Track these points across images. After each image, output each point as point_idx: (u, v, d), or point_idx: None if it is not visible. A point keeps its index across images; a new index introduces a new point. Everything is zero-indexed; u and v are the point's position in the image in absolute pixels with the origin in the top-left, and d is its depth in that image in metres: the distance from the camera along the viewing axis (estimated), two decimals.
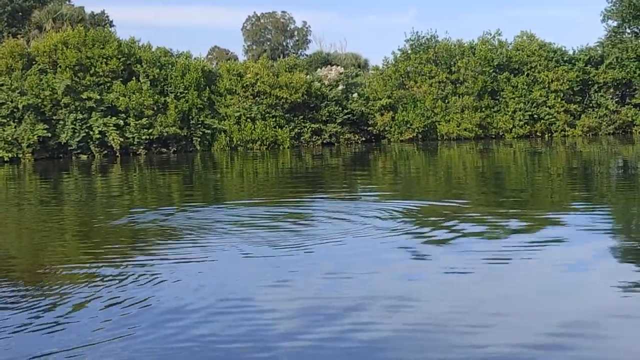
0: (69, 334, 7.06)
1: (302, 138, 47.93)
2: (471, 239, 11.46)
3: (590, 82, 50.89)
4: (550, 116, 49.56)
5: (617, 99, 51.59)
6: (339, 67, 55.67)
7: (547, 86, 49.70)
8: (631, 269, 9.37)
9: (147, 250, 11.69)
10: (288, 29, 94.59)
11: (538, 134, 50.18)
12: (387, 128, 49.88)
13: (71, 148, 43.02)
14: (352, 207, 16.29)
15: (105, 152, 43.61)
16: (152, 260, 10.64)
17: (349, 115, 49.12)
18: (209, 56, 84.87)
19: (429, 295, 8.29)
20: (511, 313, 7.50)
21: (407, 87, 51.19)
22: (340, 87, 50.50)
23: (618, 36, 53.31)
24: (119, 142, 43.00)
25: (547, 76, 49.65)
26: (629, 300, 7.91)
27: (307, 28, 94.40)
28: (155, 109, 44.50)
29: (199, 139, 45.67)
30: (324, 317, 7.44)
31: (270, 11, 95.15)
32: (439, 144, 46.03)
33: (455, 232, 12.09)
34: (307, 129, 47.95)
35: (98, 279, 9.37)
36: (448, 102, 50.03)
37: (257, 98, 47.56)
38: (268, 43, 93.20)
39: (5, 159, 40.92)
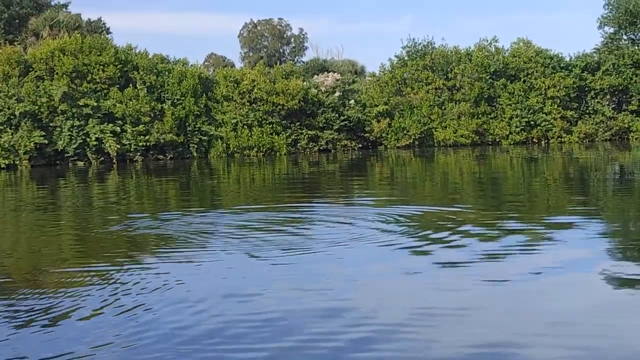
0: (71, 339, 7.01)
1: (298, 145, 47.95)
2: (468, 245, 11.43)
3: (586, 89, 51.02)
4: (547, 123, 49.66)
5: (613, 106, 51.73)
6: (336, 73, 55.69)
7: (543, 93, 49.82)
8: (629, 272, 9.36)
9: (146, 255, 11.66)
10: (285, 35, 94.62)
11: (535, 140, 50.28)
12: (383, 135, 49.91)
13: (68, 155, 43.00)
14: (349, 212, 16.25)
15: (102, 158, 43.59)
16: (151, 265, 10.61)
17: (346, 122, 49.16)
18: (206, 63, 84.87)
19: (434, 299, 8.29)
20: (511, 312, 7.49)
21: (403, 93, 51.24)
22: (337, 94, 50.53)
23: (614, 42, 53.47)
24: (115, 148, 42.99)
25: (543, 83, 49.77)
26: (628, 302, 7.91)
27: (303, 35, 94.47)
28: (152, 115, 44.50)
29: (195, 146, 45.69)
30: (325, 322, 7.43)
31: (267, 18, 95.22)
32: (435, 151, 46.06)
33: (453, 237, 12.06)
34: (304, 136, 47.98)
35: (96, 284, 9.32)
36: (445, 109, 50.10)
37: (253, 105, 47.59)
38: (265, 50, 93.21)
39: (2, 165, 40.90)
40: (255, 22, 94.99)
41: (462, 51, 52.69)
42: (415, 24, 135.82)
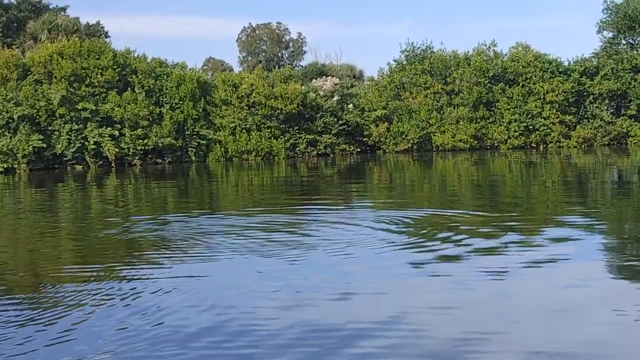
0: (73, 345, 6.98)
1: (297, 149, 47.94)
2: (466, 248, 11.41)
3: (585, 93, 51.04)
4: (546, 127, 49.68)
5: (612, 110, 51.75)
6: (334, 77, 55.69)
7: (542, 97, 49.84)
8: (626, 277, 9.36)
9: (146, 259, 11.63)
10: (283, 40, 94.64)
11: (533, 145, 50.29)
12: (382, 139, 49.90)
13: (66, 159, 42.98)
14: (348, 216, 16.24)
15: (101, 162, 43.58)
16: (151, 269, 10.58)
17: (344, 126, 49.15)
18: (204, 67, 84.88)
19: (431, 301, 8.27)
20: (506, 315, 7.47)
21: (402, 98, 51.23)
22: (336, 98, 50.53)
23: (613, 47, 53.47)
24: (114, 152, 42.97)
25: (542, 87, 49.79)
26: (624, 310, 7.89)
27: (302, 39, 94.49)
28: (150, 119, 44.49)
29: (194, 150, 45.68)
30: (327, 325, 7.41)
31: (266, 22, 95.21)
32: (434, 155, 46.05)
33: (451, 241, 12.05)
34: (302, 140, 47.97)
35: (95, 288, 9.30)
36: (443, 113, 50.10)
37: (252, 109, 47.58)
38: (263, 54, 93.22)
39: (0, 169, 40.85)
40: (254, 26, 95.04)
41: (461, 55, 52.67)
42: (413, 28, 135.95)
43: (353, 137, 50.18)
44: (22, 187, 32.24)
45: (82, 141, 42.83)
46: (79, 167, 42.96)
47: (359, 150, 50.32)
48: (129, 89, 45.18)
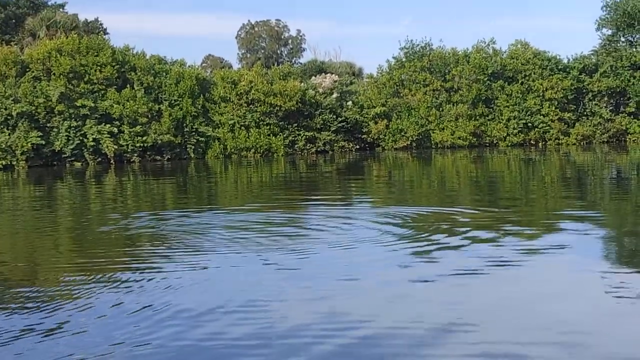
0: (74, 341, 6.95)
1: (296, 146, 47.90)
2: (466, 245, 11.41)
3: (584, 91, 51.01)
4: (545, 124, 49.65)
5: (611, 108, 51.72)
6: (334, 75, 55.66)
7: (541, 94, 49.80)
8: (624, 272, 9.35)
9: (145, 255, 11.62)
10: (282, 37, 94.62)
11: (532, 142, 50.26)
12: (381, 136, 49.86)
13: (65, 155, 42.91)
14: (347, 213, 16.24)
15: (100, 159, 43.52)
16: (149, 265, 10.57)
17: (343, 123, 49.11)
18: (203, 64, 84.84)
19: (431, 297, 8.26)
20: (509, 315, 7.47)
21: (401, 95, 51.19)
22: (335, 95, 50.50)
23: (612, 44, 53.46)
24: (113, 149, 42.92)
25: (541, 84, 49.75)
26: (622, 304, 7.88)
27: (301, 36, 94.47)
28: (149, 116, 44.45)
29: (193, 147, 45.63)
30: (333, 321, 7.40)
31: (265, 19, 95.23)
32: (433, 152, 46.04)
33: (451, 237, 12.05)
34: (301, 137, 47.94)
35: (98, 284, 9.29)
36: (442, 110, 50.06)
37: (251, 106, 47.55)
38: (262, 51, 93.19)
39: None
40: (253, 23, 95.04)
41: (460, 53, 52.64)
42: (413, 26, 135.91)
43: (352, 134, 50.14)
44: (21, 183, 32.20)
45: (81, 138, 42.77)
46: (77, 164, 42.90)
47: (358, 147, 50.28)
48: (127, 85, 45.13)
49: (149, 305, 8.12)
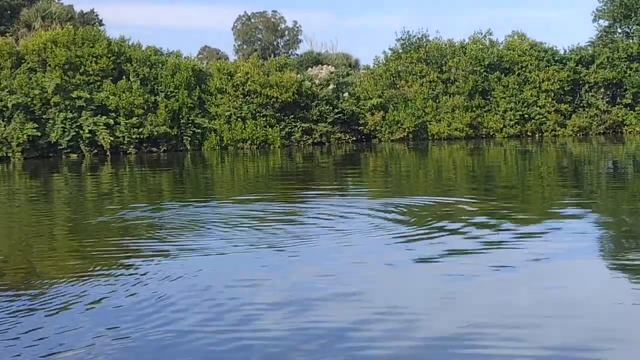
0: (71, 334, 6.90)
1: (292, 137, 47.85)
2: (462, 235, 11.39)
3: (581, 82, 50.99)
4: (541, 116, 49.63)
5: (607, 99, 51.69)
6: (330, 66, 55.62)
7: (538, 86, 49.77)
8: (621, 264, 9.34)
9: (141, 247, 11.57)
10: (279, 28, 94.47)
11: (529, 133, 50.25)
12: (377, 127, 49.81)
13: (61, 147, 42.83)
14: (344, 204, 16.21)
15: (96, 151, 43.44)
16: (147, 257, 10.52)
17: (340, 115, 49.05)
18: (200, 56, 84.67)
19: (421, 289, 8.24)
20: (502, 302, 7.45)
21: (398, 86, 51.15)
22: (331, 87, 50.43)
23: (609, 36, 53.44)
24: (109, 141, 42.85)
25: (538, 76, 49.72)
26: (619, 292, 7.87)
27: (297, 28, 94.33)
28: (145, 108, 44.36)
29: (189, 138, 45.56)
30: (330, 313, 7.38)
31: (261, 11, 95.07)
32: (429, 144, 46.02)
33: (448, 228, 12.03)
34: (298, 129, 47.87)
35: (93, 276, 9.24)
36: (439, 102, 50.02)
37: (247, 97, 47.47)
38: (258, 42, 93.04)
39: None
40: (249, 14, 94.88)
41: (457, 44, 52.59)
42: (410, 17, 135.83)
43: (348, 125, 50.09)
44: (17, 175, 32.14)
45: (76, 130, 42.68)
46: (73, 156, 42.83)
47: (354, 139, 50.23)
48: (123, 77, 45.04)
49: (146, 296, 8.08)
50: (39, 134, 41.97)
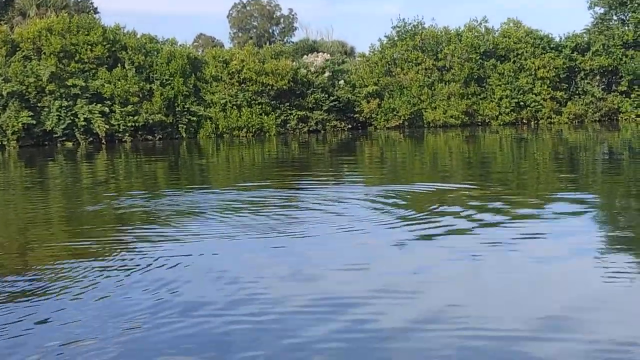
0: (70, 326, 6.88)
1: (288, 125, 47.78)
2: (459, 224, 11.42)
3: (576, 69, 50.98)
4: (537, 103, 49.64)
5: (603, 86, 51.69)
6: (325, 54, 55.49)
7: (533, 73, 49.76)
8: (616, 249, 9.37)
9: (137, 234, 11.58)
10: (274, 16, 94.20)
11: (524, 121, 50.27)
12: (373, 115, 49.76)
13: (56, 135, 42.74)
14: (340, 192, 16.24)
15: (91, 139, 43.37)
16: (143, 244, 10.52)
17: (335, 103, 48.98)
18: (195, 43, 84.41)
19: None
20: (499, 293, 7.47)
21: (393, 74, 51.09)
22: (327, 74, 50.34)
23: (605, 23, 53.36)
24: (104, 129, 42.77)
25: (533, 63, 49.70)
26: (612, 283, 7.90)
27: (293, 15, 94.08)
28: (140, 96, 44.27)
29: (184, 126, 45.48)
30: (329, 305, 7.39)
31: None
32: (425, 131, 46.04)
33: (444, 215, 12.06)
34: (293, 116, 47.81)
35: (90, 266, 9.24)
36: (434, 89, 49.98)
37: (242, 85, 47.38)
38: (254, 30, 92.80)
39: None
40: (245, 2, 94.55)
41: (452, 31, 52.50)
42: (405, 5, 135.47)
43: (344, 113, 50.01)
44: (12, 164, 32.10)
45: (72, 118, 42.59)
46: (69, 144, 42.75)
47: (350, 126, 50.15)
48: (118, 65, 44.91)
49: (152, 283, 8.08)
50: (34, 122, 41.88)
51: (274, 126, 46.58)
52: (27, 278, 8.59)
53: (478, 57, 50.18)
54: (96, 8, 66.72)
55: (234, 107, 46.55)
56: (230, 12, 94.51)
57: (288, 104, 47.90)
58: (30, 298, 7.66)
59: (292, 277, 8.41)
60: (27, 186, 21.41)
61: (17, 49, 44.24)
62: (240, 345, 6.10)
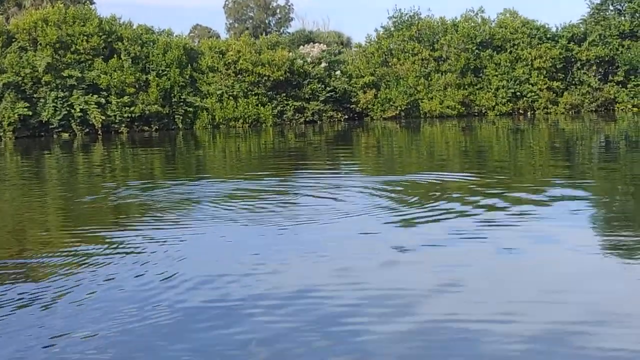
0: (76, 318, 6.86)
1: (284, 116, 47.77)
2: (455, 212, 11.44)
3: (573, 60, 50.94)
4: (533, 94, 49.64)
5: (599, 77, 51.63)
6: (322, 44, 55.43)
7: (530, 63, 49.74)
8: (610, 237, 9.40)
9: (137, 225, 11.57)
10: (270, 6, 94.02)
11: (521, 111, 50.26)
12: (370, 106, 49.77)
13: (52, 126, 42.70)
14: (337, 182, 16.24)
15: (87, 130, 43.33)
16: (145, 234, 10.50)
17: (332, 93, 48.97)
18: (191, 34, 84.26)
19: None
20: (496, 279, 7.49)
21: (390, 64, 51.07)
22: (323, 65, 50.31)
23: (601, 13, 53.29)
24: (100, 120, 42.73)
25: (530, 53, 49.68)
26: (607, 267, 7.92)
27: (289, 6, 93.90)
28: (136, 86, 44.22)
29: (181, 117, 45.45)
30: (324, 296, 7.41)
31: None
32: (421, 122, 46.04)
33: (440, 205, 12.07)
34: (290, 107, 47.79)
35: (84, 255, 9.25)
36: (431, 80, 49.97)
37: (239, 76, 47.34)
38: (250, 21, 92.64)
39: None
40: None
41: (449, 22, 52.46)
42: None
43: (341, 104, 50.01)
44: (8, 155, 32.05)
45: (68, 109, 42.54)
46: (65, 135, 42.72)
47: (346, 117, 50.15)
48: (115, 56, 44.85)
49: (148, 275, 8.06)
50: (30, 113, 41.82)
51: (271, 117, 46.57)
52: (22, 269, 8.59)
53: (474, 48, 50.16)
54: None
55: (231, 97, 46.53)
56: (227, 2, 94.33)
57: (284, 94, 47.88)
58: (25, 289, 7.64)
59: (297, 269, 8.41)
60: (24, 177, 21.37)
61: (13, 40, 44.16)
62: (241, 338, 6.11)
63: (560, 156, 21.98)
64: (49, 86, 42.45)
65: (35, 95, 42.45)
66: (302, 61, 49.38)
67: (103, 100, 43.12)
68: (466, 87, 49.76)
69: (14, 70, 41.90)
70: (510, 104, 49.86)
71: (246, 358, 5.64)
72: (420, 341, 5.85)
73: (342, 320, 6.31)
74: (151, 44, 46.66)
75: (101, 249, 9.42)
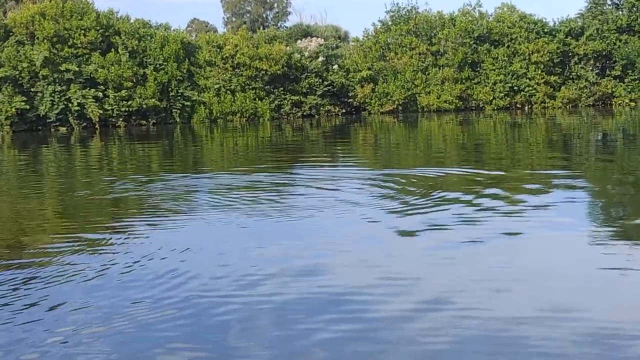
0: (78, 310, 6.88)
1: (282, 110, 47.78)
2: (450, 207, 11.45)
3: (570, 54, 50.97)
4: (531, 88, 49.67)
5: (597, 71, 51.67)
6: (319, 38, 55.42)
7: (527, 58, 49.77)
8: (607, 231, 9.42)
9: (134, 218, 11.58)
10: (268, 0, 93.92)
11: (518, 105, 50.31)
12: (367, 100, 49.79)
13: (50, 120, 42.71)
14: (335, 176, 16.25)
15: (85, 124, 43.34)
16: (142, 228, 10.51)
17: (329, 87, 48.99)
18: (188, 28, 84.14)
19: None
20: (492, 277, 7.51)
21: (387, 58, 51.07)
22: (321, 59, 50.31)
23: (598, 7, 53.30)
24: (97, 114, 42.73)
25: (527, 48, 49.71)
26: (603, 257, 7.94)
27: (286, 0, 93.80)
28: (134, 80, 44.22)
29: (178, 111, 45.46)
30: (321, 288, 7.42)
31: None
32: (419, 116, 46.04)
33: (435, 200, 12.08)
34: (287, 101, 47.81)
35: (80, 249, 9.25)
36: (428, 74, 50.00)
37: (236, 70, 47.33)
38: (248, 15, 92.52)
39: None
40: None
41: (446, 16, 52.49)
42: None
43: (338, 98, 50.03)
44: (6, 149, 32.03)
45: (65, 103, 42.55)
46: (62, 129, 42.72)
47: (344, 111, 50.18)
48: (112, 50, 44.83)
49: (148, 266, 8.07)
50: (28, 107, 41.83)
51: (268, 111, 46.59)
52: (25, 265, 8.59)
53: (472, 42, 50.18)
54: None
55: (228, 92, 46.54)
56: None
57: (282, 88, 47.89)
58: (31, 286, 7.64)
59: (298, 263, 8.42)
60: (21, 171, 21.36)
61: (10, 34, 44.13)
62: (244, 333, 6.11)
63: (557, 151, 21.98)
64: (46, 80, 42.44)
65: (32, 89, 42.45)
66: (299, 55, 49.38)
67: (100, 94, 43.13)
68: (464, 81, 49.78)
69: (11, 64, 41.87)
70: (508, 99, 49.90)
71: (260, 351, 5.63)
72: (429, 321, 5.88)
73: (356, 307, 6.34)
74: (148, 38, 46.65)
75: (103, 244, 9.42)
